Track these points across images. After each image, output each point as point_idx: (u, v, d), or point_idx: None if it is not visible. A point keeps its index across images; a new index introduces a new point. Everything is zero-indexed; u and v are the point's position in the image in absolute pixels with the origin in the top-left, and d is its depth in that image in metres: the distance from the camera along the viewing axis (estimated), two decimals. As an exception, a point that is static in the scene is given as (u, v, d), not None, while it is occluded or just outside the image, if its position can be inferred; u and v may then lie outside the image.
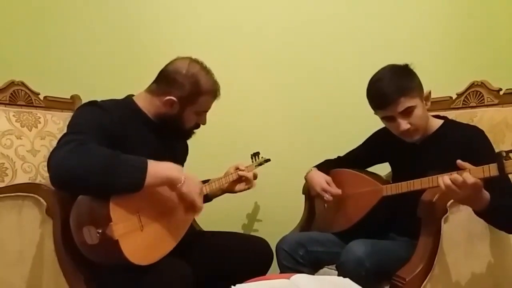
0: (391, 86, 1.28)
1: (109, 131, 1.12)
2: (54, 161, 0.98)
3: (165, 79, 1.28)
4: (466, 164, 1.05)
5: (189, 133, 1.38)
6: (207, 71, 1.31)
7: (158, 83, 1.30)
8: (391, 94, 1.28)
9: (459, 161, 1.05)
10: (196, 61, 1.30)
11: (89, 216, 1.00)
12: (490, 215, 1.12)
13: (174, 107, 1.27)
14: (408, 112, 1.29)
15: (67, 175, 0.96)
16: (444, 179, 1.07)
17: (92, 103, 1.19)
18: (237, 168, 1.53)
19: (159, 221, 1.13)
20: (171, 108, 1.27)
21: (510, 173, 0.99)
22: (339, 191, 1.52)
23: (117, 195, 1.00)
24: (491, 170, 1.01)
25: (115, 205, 0.99)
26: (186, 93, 1.26)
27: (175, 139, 1.39)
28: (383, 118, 1.37)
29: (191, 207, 1.15)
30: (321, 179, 1.55)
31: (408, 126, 1.30)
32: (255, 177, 1.55)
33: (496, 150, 1.22)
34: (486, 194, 1.08)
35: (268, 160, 1.72)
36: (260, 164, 1.67)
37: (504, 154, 0.98)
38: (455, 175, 1.05)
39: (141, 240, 1.06)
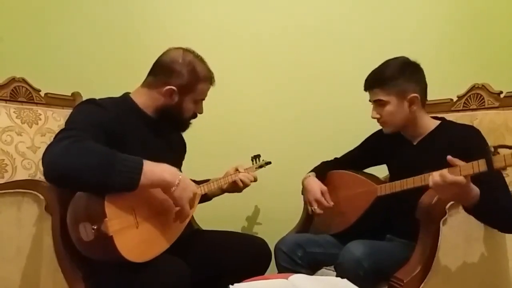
0: (374, 75, 1.39)
1: (107, 129, 1.12)
2: (48, 156, 0.97)
3: (162, 70, 1.29)
4: (457, 161, 1.06)
5: (186, 124, 1.38)
6: (201, 59, 1.33)
7: (155, 75, 1.30)
8: (369, 82, 1.40)
9: (449, 157, 1.06)
10: (188, 50, 1.32)
11: (85, 212, 1.00)
12: (479, 212, 1.13)
13: (173, 97, 1.28)
14: (379, 104, 1.38)
15: (61, 171, 0.95)
16: (433, 177, 1.08)
17: (91, 101, 1.19)
18: (237, 170, 1.53)
19: (155, 220, 1.12)
20: (170, 98, 1.28)
21: (499, 168, 1.00)
22: (331, 204, 1.52)
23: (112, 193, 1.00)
24: (480, 165, 1.02)
25: (110, 201, 0.99)
26: (185, 82, 1.27)
27: (173, 131, 1.40)
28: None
29: (179, 212, 1.14)
30: (316, 189, 1.53)
31: (377, 116, 1.39)
32: (254, 180, 1.55)
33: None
34: (476, 191, 1.09)
35: (269, 163, 1.72)
36: (261, 167, 1.67)
37: (492, 149, 1.00)
38: (436, 175, 1.06)
39: (136, 237, 1.05)
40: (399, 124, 1.39)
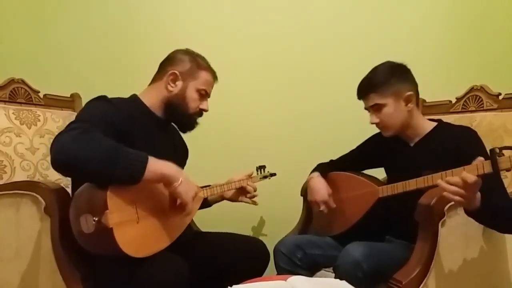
0: (367, 81, 1.39)
1: (116, 126, 1.13)
2: (57, 144, 0.99)
3: (165, 62, 1.34)
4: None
5: (192, 119, 1.35)
6: (202, 57, 1.36)
7: (159, 70, 1.34)
8: (363, 89, 1.40)
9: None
10: (191, 51, 1.36)
11: (87, 204, 1.01)
12: (481, 215, 1.13)
13: (177, 84, 1.29)
14: (377, 109, 1.38)
15: (67, 159, 0.97)
16: (447, 180, 1.06)
17: (104, 98, 1.20)
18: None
19: (156, 216, 1.13)
20: (174, 85, 1.29)
21: (504, 169, 1.00)
22: (334, 206, 1.54)
23: (115, 185, 1.01)
24: (485, 166, 1.02)
25: (112, 194, 1.00)
26: (187, 67, 1.30)
27: (180, 129, 1.39)
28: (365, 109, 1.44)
29: (183, 209, 1.14)
30: (323, 190, 1.54)
31: (377, 120, 1.39)
32: (254, 190, 1.55)
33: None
34: (478, 194, 1.09)
35: (274, 174, 1.70)
36: (265, 177, 1.66)
37: (497, 150, 1.00)
38: (456, 178, 1.05)
39: (136, 231, 1.06)
40: (398, 125, 1.39)
